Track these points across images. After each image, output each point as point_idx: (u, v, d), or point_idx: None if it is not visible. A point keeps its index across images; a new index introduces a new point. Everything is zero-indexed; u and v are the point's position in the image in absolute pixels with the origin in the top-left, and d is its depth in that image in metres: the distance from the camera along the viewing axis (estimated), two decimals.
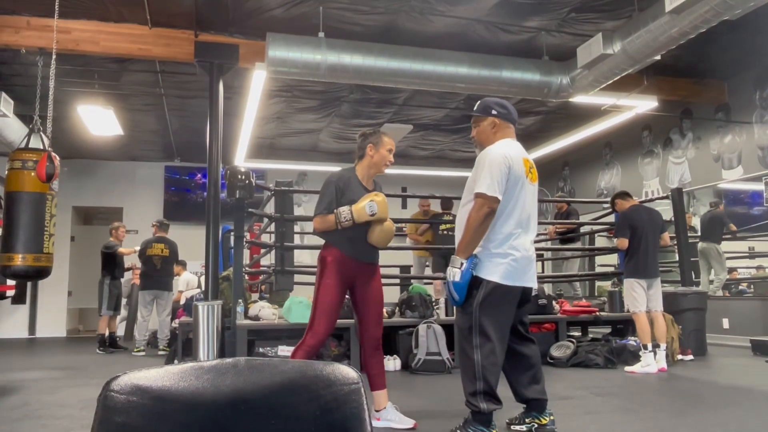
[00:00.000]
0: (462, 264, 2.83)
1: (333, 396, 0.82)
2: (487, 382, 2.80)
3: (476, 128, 3.14)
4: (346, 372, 0.84)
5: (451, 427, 2.94)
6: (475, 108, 3.16)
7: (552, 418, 3.06)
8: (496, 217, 2.87)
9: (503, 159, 2.87)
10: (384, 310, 5.82)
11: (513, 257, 2.87)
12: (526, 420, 3.09)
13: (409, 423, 3.18)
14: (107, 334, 7.77)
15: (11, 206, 4.27)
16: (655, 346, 5.27)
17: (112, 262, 7.78)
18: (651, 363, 5.16)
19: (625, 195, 5.73)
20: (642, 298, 5.30)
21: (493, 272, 2.85)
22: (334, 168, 3.39)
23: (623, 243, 5.36)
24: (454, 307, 3.23)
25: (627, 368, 5.31)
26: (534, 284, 3.03)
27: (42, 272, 4.40)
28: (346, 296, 3.30)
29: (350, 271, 3.16)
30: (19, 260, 4.22)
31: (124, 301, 8.73)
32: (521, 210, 2.93)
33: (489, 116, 3.07)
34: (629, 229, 5.34)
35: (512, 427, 3.14)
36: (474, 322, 2.84)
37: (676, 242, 6.97)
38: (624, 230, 5.38)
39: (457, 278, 2.83)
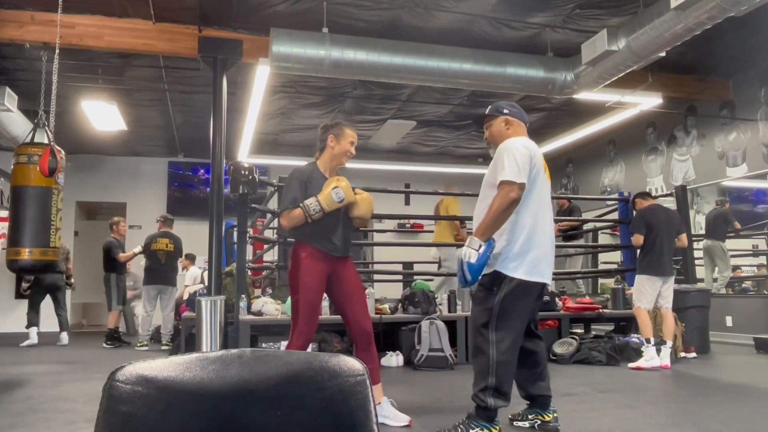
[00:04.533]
0: (480, 246, 2.75)
1: (339, 387, 0.81)
2: (499, 379, 2.78)
3: (489, 129, 3.14)
4: (352, 364, 0.84)
5: (454, 423, 2.93)
6: (486, 111, 3.18)
7: (555, 415, 3.06)
8: (520, 208, 2.83)
9: (525, 149, 2.86)
10: (387, 306, 5.89)
11: (536, 253, 2.84)
12: (530, 416, 3.09)
13: (404, 420, 3.14)
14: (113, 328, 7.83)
15: (18, 201, 4.29)
16: (662, 343, 5.28)
17: (115, 258, 7.80)
18: (654, 356, 5.17)
19: (645, 195, 5.84)
20: (649, 295, 5.32)
21: (517, 269, 2.81)
22: (306, 163, 3.36)
23: (638, 239, 5.40)
24: (472, 301, 3.19)
25: (630, 365, 5.30)
26: (550, 280, 3.00)
27: (48, 266, 4.41)
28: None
29: (326, 266, 3.12)
30: (26, 254, 4.24)
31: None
32: (540, 204, 2.92)
33: (501, 115, 3.08)
34: (645, 226, 5.39)
35: (515, 423, 3.13)
36: (492, 317, 2.82)
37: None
38: (640, 227, 5.43)
39: (473, 260, 2.73)
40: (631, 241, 5.77)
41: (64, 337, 7.85)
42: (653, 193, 8.44)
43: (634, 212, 5.93)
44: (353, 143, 3.25)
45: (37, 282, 7.80)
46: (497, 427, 2.84)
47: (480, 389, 2.81)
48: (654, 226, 5.38)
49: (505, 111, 3.08)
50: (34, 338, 7.66)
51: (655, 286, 5.36)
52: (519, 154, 2.82)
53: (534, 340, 3.08)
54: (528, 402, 3.12)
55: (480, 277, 2.85)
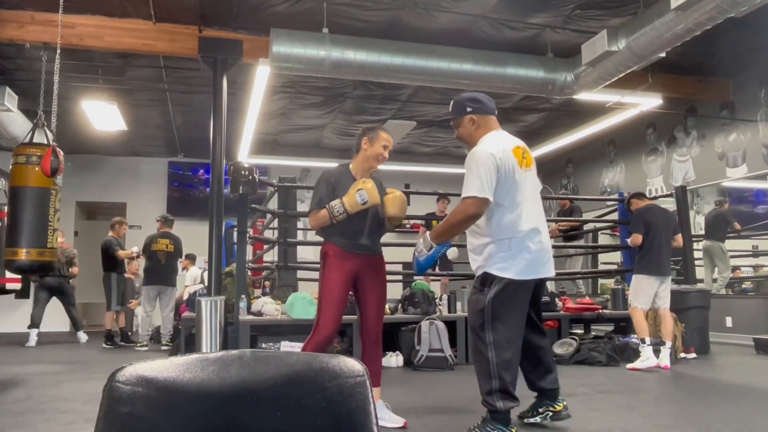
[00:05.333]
0: (431, 248, 2.91)
1: (338, 388, 0.81)
2: (502, 380, 2.77)
3: (457, 129, 3.11)
4: (352, 364, 0.84)
5: (453, 423, 2.94)
6: (449, 110, 3.12)
7: (565, 403, 3.06)
8: (501, 214, 2.84)
9: (489, 158, 2.81)
10: (387, 306, 5.88)
11: (528, 250, 2.84)
12: (540, 410, 3.09)
13: (399, 422, 3.15)
14: (117, 329, 7.82)
15: (15, 201, 4.29)
16: (661, 343, 5.28)
17: (115, 258, 7.80)
18: (650, 356, 5.17)
19: (640, 195, 5.83)
20: (647, 295, 5.32)
21: (507, 269, 2.81)
22: (338, 164, 3.39)
23: (637, 239, 5.39)
24: (467, 305, 3.20)
25: (628, 365, 5.31)
26: (551, 273, 3.00)
27: (46, 267, 4.41)
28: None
29: (352, 264, 3.14)
30: (23, 255, 4.23)
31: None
32: (522, 201, 2.89)
33: (465, 115, 3.03)
34: (643, 226, 5.38)
35: (525, 420, 3.13)
36: (486, 318, 2.82)
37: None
38: (638, 227, 5.42)
39: (421, 258, 2.95)
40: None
41: (82, 336, 8.09)
42: (653, 194, 8.47)
43: (631, 212, 5.90)
44: (387, 147, 3.24)
45: (40, 281, 7.81)
46: (513, 429, 2.84)
47: (486, 393, 2.81)
48: (652, 225, 5.38)
49: (468, 110, 3.02)
50: (32, 341, 7.67)
51: (653, 286, 5.35)
52: (483, 166, 2.79)
53: (539, 336, 3.08)
54: (536, 395, 3.12)
55: (474, 279, 2.93)
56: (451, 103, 3.12)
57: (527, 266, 2.83)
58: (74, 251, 8.16)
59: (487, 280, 2.86)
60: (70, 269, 8.03)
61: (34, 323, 7.80)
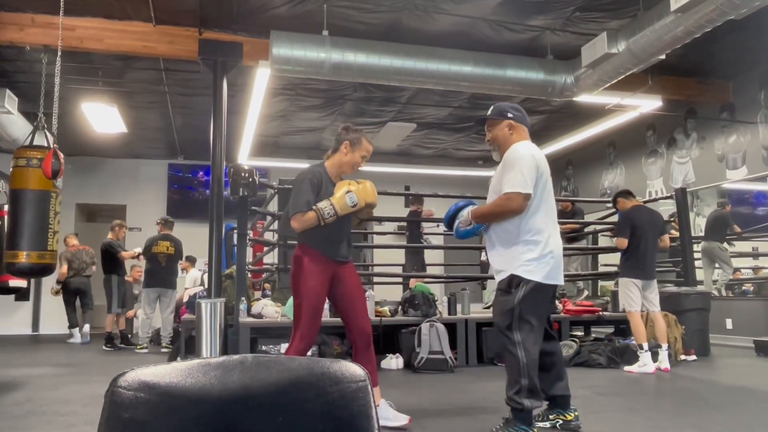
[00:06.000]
0: (471, 224, 3.07)
1: (340, 393, 0.82)
2: (531, 379, 2.84)
3: (491, 132, 3.18)
4: (354, 369, 0.84)
5: (454, 426, 2.94)
6: (489, 112, 3.21)
7: (577, 414, 3.10)
8: (530, 215, 2.91)
9: (531, 158, 2.93)
10: (387, 308, 5.88)
11: (552, 255, 2.93)
12: (551, 416, 3.12)
13: (404, 420, 3.15)
14: (117, 331, 7.82)
15: (16, 204, 4.29)
16: (657, 346, 5.27)
17: (116, 260, 7.80)
18: (648, 362, 5.15)
19: (627, 194, 5.70)
20: (637, 298, 5.30)
21: (535, 272, 2.89)
22: (311, 164, 3.33)
23: (622, 242, 5.36)
24: (492, 307, 3.24)
25: (626, 368, 5.31)
26: (562, 281, 3.10)
27: (46, 269, 4.41)
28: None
29: (329, 271, 3.13)
30: (23, 257, 4.23)
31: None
32: (550, 208, 3.01)
33: (505, 119, 3.11)
34: (629, 228, 5.34)
35: (535, 423, 3.14)
36: (514, 319, 2.89)
37: (679, 242, 6.96)
38: (624, 230, 5.38)
39: (462, 228, 3.13)
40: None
41: (85, 332, 8.35)
42: (653, 196, 8.47)
43: (618, 210, 5.80)
44: (365, 157, 3.22)
45: (65, 285, 8.24)
46: (535, 430, 2.88)
47: (515, 392, 2.86)
48: (638, 228, 5.33)
49: (509, 115, 3.11)
50: (77, 337, 8.30)
51: (638, 289, 5.32)
52: (525, 165, 2.89)
53: (550, 342, 3.13)
54: (548, 402, 3.14)
55: (498, 282, 3.03)
56: (492, 107, 3.22)
57: (551, 270, 2.92)
58: (92, 251, 8.42)
59: (513, 281, 2.92)
60: (92, 268, 8.35)
61: (72, 324, 8.30)
